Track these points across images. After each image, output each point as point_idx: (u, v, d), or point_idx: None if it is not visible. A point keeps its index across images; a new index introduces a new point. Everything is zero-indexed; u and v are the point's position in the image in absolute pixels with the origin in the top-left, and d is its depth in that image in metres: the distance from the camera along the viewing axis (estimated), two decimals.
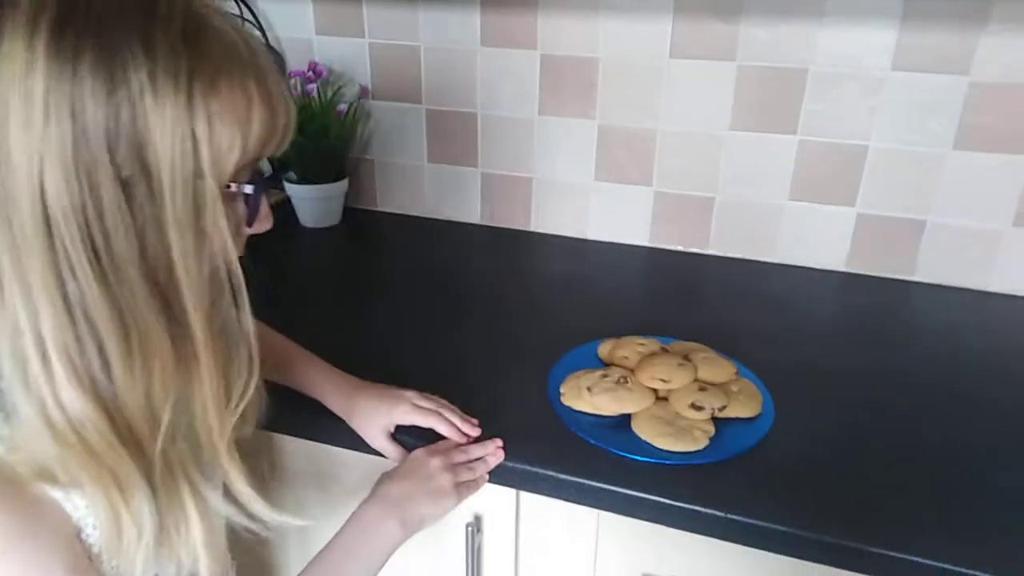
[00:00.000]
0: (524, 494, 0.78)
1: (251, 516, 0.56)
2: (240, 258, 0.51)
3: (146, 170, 0.45)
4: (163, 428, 0.49)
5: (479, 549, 0.82)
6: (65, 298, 0.45)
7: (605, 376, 0.80)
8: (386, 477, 0.71)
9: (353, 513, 0.69)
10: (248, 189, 0.51)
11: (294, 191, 1.27)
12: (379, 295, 1.07)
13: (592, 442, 0.75)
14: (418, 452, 0.74)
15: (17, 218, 0.43)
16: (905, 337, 0.99)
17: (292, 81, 1.22)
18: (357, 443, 0.78)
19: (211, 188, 0.47)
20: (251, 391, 0.55)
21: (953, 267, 1.09)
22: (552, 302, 1.06)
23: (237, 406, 0.54)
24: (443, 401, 0.79)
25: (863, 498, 0.69)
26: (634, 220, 1.21)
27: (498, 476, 0.75)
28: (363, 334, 0.96)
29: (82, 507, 0.49)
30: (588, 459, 0.73)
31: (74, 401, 0.46)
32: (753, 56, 1.06)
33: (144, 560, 0.51)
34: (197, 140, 0.45)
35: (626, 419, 0.77)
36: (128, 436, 0.49)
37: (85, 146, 0.43)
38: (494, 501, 0.79)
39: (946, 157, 1.04)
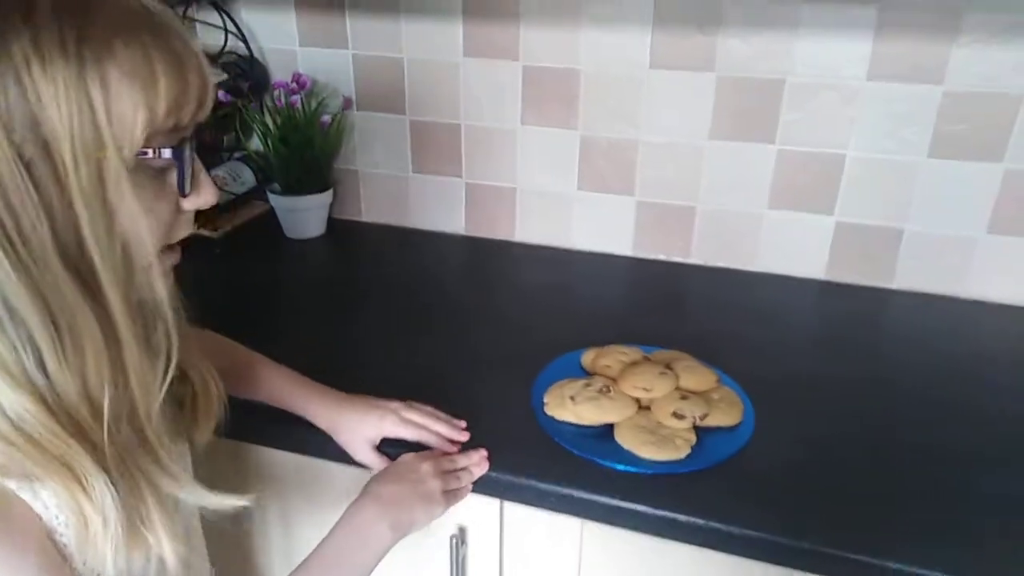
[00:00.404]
0: (508, 505, 0.78)
1: (191, 495, 0.55)
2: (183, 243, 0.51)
3: (45, 147, 0.43)
4: (105, 414, 0.48)
5: (464, 561, 0.82)
6: None
7: (588, 385, 0.80)
8: (377, 479, 0.71)
9: (343, 515, 0.68)
10: (166, 154, 0.47)
11: (278, 202, 1.27)
12: (363, 306, 1.07)
13: (575, 452, 0.75)
14: (408, 456, 0.74)
15: None
16: (884, 344, 1.00)
17: (276, 92, 1.22)
18: (340, 454, 0.78)
19: (114, 159, 0.44)
20: (172, 367, 0.53)
21: (930, 274, 1.11)
22: (536, 312, 1.06)
23: (161, 386, 0.53)
24: (429, 409, 0.79)
25: (843, 504, 0.70)
26: (617, 230, 1.22)
27: (482, 486, 0.75)
28: (346, 345, 0.96)
29: (52, 506, 0.48)
30: (571, 469, 0.73)
31: (10, 400, 0.45)
32: (732, 67, 1.08)
33: (114, 551, 0.49)
34: (94, 109, 0.43)
35: (609, 428, 0.78)
36: (73, 426, 0.47)
37: None
38: (478, 512, 0.80)
39: (921, 165, 1.05)
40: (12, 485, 0.46)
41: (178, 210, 0.51)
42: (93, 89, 0.43)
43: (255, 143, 1.32)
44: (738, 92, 1.09)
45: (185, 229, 0.53)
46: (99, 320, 0.47)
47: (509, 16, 1.14)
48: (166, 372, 0.53)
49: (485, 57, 1.18)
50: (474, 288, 1.15)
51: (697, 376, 0.83)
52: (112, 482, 0.49)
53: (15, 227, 0.43)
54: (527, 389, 0.85)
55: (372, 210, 1.36)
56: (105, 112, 0.43)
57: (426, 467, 0.72)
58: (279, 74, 1.29)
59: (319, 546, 0.66)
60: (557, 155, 1.21)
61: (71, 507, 0.47)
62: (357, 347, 0.96)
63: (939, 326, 1.04)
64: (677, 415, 0.77)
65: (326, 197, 1.29)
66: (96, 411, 0.48)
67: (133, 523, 0.50)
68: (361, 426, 0.76)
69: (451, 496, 0.72)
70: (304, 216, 1.28)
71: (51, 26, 0.42)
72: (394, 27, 1.20)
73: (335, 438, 0.77)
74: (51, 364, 0.46)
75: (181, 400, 0.62)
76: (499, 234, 1.29)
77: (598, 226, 1.23)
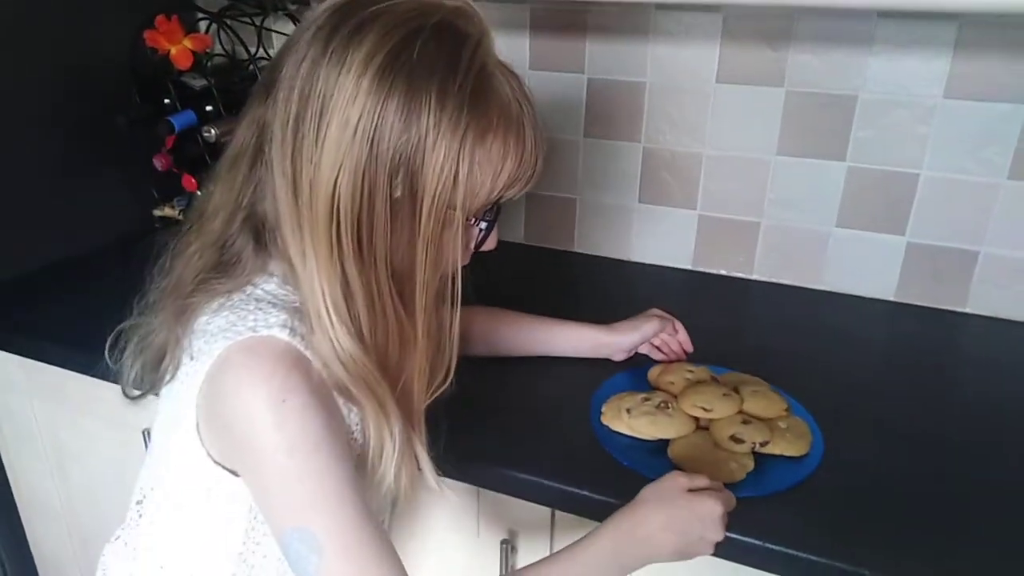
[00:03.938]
0: (559, 513, 0.79)
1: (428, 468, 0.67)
2: (464, 269, 0.62)
3: (413, 195, 0.56)
4: (398, 381, 0.62)
5: (513, 567, 0.82)
6: (336, 267, 0.56)
7: (647, 400, 0.80)
8: (654, 511, 0.61)
9: (616, 517, 0.63)
10: (484, 225, 0.63)
11: None
12: None
13: (625, 464, 0.75)
14: (710, 498, 0.62)
15: (314, 201, 0.55)
16: (957, 371, 0.97)
17: None
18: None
19: (458, 219, 0.58)
20: (445, 386, 0.67)
21: (1006, 299, 1.06)
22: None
23: (432, 394, 0.66)
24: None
25: (906, 536, 0.68)
26: (678, 243, 1.21)
27: (533, 493, 0.76)
28: None
29: (353, 423, 0.62)
30: (622, 481, 0.73)
31: (349, 344, 0.58)
32: (802, 82, 1.06)
33: (395, 470, 0.63)
34: (458, 179, 0.56)
35: (664, 444, 0.77)
36: (387, 374, 0.61)
37: (372, 168, 0.54)
38: (529, 519, 0.80)
39: (1000, 187, 1.01)
40: (339, 402, 0.61)
41: (467, 249, 0.64)
42: (462, 166, 0.56)
43: None
44: (808, 108, 1.07)
45: (466, 262, 0.65)
46: (401, 324, 0.61)
47: (576, 29, 1.15)
48: (439, 387, 0.67)
49: (551, 69, 1.19)
50: (533, 296, 1.15)
51: (764, 402, 0.81)
52: (403, 417, 0.63)
53: (368, 240, 0.57)
54: (586, 397, 0.85)
55: None
56: (464, 184, 0.56)
57: (718, 512, 0.61)
58: None
59: (588, 542, 0.62)
60: (619, 167, 1.21)
61: (375, 426, 0.61)
62: None
63: (1015, 353, 1.00)
64: (736, 439, 0.75)
65: None
66: (390, 376, 0.62)
67: (403, 454, 0.63)
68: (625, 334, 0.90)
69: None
70: None
71: (454, 113, 0.55)
72: None
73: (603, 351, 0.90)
74: (367, 334, 0.59)
75: None
76: (558, 244, 1.30)
77: (658, 239, 1.23)
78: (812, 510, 0.70)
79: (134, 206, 1.30)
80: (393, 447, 0.62)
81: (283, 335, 0.57)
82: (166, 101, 1.20)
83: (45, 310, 1.07)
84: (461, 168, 0.55)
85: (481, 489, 0.80)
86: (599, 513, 0.73)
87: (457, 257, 0.60)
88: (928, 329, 1.06)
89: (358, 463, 0.62)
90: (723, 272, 1.20)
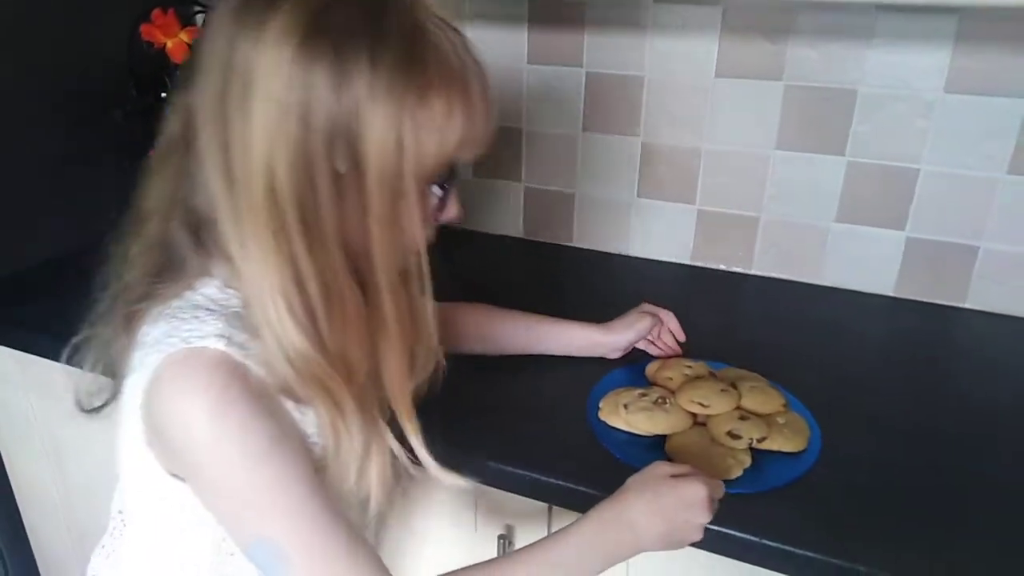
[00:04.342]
0: (556, 509, 0.79)
1: (417, 462, 0.63)
2: (429, 246, 0.58)
3: (357, 168, 0.51)
4: (360, 374, 0.58)
5: None
6: (284, 255, 0.52)
7: (644, 395, 0.80)
8: (637, 496, 0.61)
9: (601, 507, 0.62)
10: (438, 191, 0.57)
11: None
12: None
13: (621, 459, 0.75)
14: (695, 481, 0.61)
15: (250, 185, 0.51)
16: (957, 366, 0.96)
17: None
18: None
19: (409, 187, 0.53)
20: (430, 368, 0.64)
21: (1006, 295, 1.06)
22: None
23: (425, 379, 0.64)
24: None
25: (903, 531, 0.68)
26: (676, 238, 1.21)
27: (530, 488, 0.76)
28: None
29: (310, 424, 0.59)
30: (619, 477, 0.73)
31: (296, 338, 0.54)
32: (801, 76, 1.06)
33: (357, 466, 0.59)
34: (403, 145, 0.51)
35: (662, 440, 0.77)
36: (341, 370, 0.57)
37: (309, 142, 0.50)
38: (526, 513, 0.80)
39: (1000, 182, 1.01)
40: (289, 405, 0.57)
41: (427, 223, 0.58)
42: (405, 130, 0.51)
43: None
44: (807, 102, 1.07)
45: (430, 238, 0.59)
46: (368, 309, 0.57)
47: (574, 23, 1.15)
48: (424, 370, 0.64)
49: (549, 63, 1.19)
50: (532, 290, 1.15)
51: (762, 398, 0.81)
52: (362, 416, 0.59)
53: (315, 222, 0.52)
54: (583, 393, 0.85)
55: None
56: (411, 150, 0.52)
57: (704, 497, 0.60)
58: None
59: (573, 528, 0.60)
60: (618, 161, 1.20)
61: (329, 423, 0.57)
62: None
63: (1016, 349, 1.00)
64: (733, 435, 0.75)
65: None
66: (352, 371, 0.57)
67: (367, 451, 0.60)
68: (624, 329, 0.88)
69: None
70: None
71: (388, 74, 0.50)
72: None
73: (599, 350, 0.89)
74: (323, 324, 0.55)
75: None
76: (557, 239, 1.30)
77: (657, 234, 1.22)
78: (809, 506, 0.70)
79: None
80: (351, 446, 0.59)
81: (218, 344, 0.54)
82: (163, 95, 1.20)
83: (43, 305, 1.07)
84: (405, 132, 0.51)
85: (478, 484, 0.80)
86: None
87: (416, 230, 0.55)
88: (927, 324, 1.06)
89: (323, 467, 0.59)
90: (722, 267, 1.20)
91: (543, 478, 0.75)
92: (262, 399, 0.55)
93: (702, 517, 0.60)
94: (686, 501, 0.60)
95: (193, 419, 0.52)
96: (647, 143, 1.18)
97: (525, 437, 0.79)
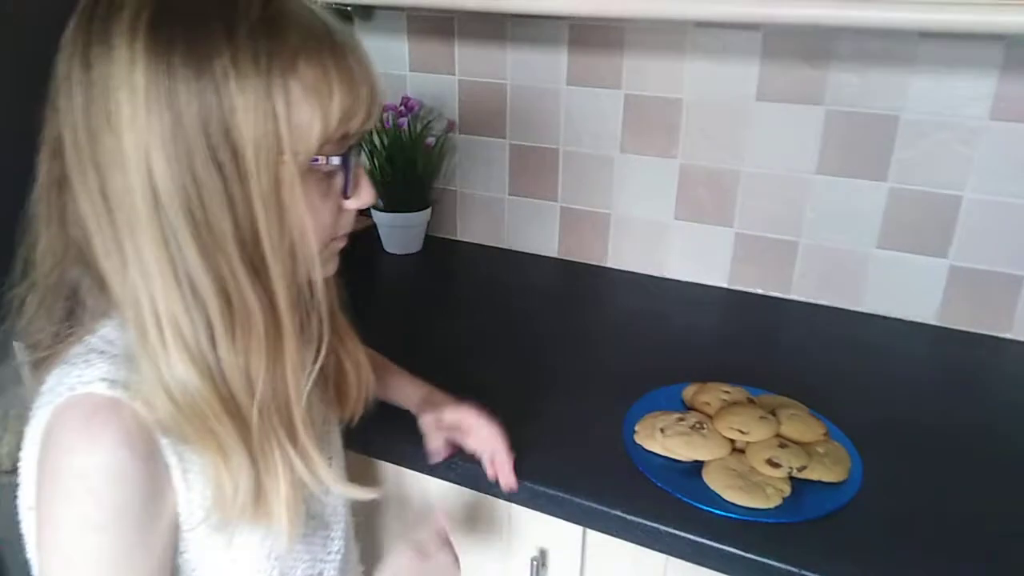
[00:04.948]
0: (590, 531, 0.78)
1: (320, 481, 0.58)
2: (352, 237, 0.57)
3: (234, 151, 0.48)
4: (258, 398, 0.53)
5: None
6: (174, 271, 0.49)
7: (681, 420, 0.80)
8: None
9: None
10: (335, 161, 0.53)
11: (380, 218, 1.32)
12: (454, 321, 1.10)
13: (657, 484, 0.74)
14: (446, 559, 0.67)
15: (130, 199, 0.48)
16: (1001, 397, 0.94)
17: (385, 115, 1.28)
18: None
19: (290, 164, 0.50)
20: (322, 358, 0.57)
21: None
22: (628, 339, 1.06)
23: (310, 374, 0.57)
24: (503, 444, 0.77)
25: (945, 565, 0.66)
26: (713, 260, 1.21)
27: (565, 510, 0.76)
28: (435, 360, 0.98)
29: (195, 470, 0.53)
30: (655, 501, 0.73)
31: (183, 371, 0.50)
32: (842, 101, 1.05)
33: (239, 517, 0.54)
34: (277, 119, 0.48)
35: (698, 465, 0.77)
36: (230, 404, 0.52)
37: (182, 133, 0.47)
38: (561, 536, 0.80)
39: None
40: (164, 441, 0.52)
41: (340, 209, 0.57)
42: (278, 102, 0.48)
43: (362, 160, 1.38)
44: (848, 127, 1.06)
45: (347, 225, 0.58)
46: (264, 307, 0.52)
47: (614, 45, 1.16)
48: (316, 359, 0.57)
49: (588, 85, 1.20)
50: (565, 310, 1.16)
51: (802, 426, 0.80)
52: (252, 457, 0.54)
53: (204, 218, 0.49)
54: (618, 416, 0.84)
55: (468, 230, 1.39)
56: (287, 123, 0.49)
57: (445, 552, 0.67)
58: (389, 97, 1.34)
59: None
60: (655, 182, 1.21)
61: (211, 473, 0.53)
62: (444, 363, 0.98)
63: None
64: (772, 463, 0.74)
65: (425, 215, 1.33)
66: (252, 390, 0.53)
67: (263, 496, 0.55)
68: (443, 403, 0.79)
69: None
70: (403, 232, 1.33)
71: (247, 46, 0.48)
72: (500, 55, 1.24)
73: (418, 419, 0.80)
74: (222, 343, 0.51)
75: (337, 384, 0.69)
76: (591, 259, 1.30)
77: (694, 256, 1.22)
78: (850, 538, 0.69)
79: None
80: (234, 496, 0.53)
81: (100, 389, 0.50)
82: None
83: None
84: (277, 105, 0.48)
85: (512, 504, 0.80)
86: (631, 533, 0.73)
87: (302, 214, 0.51)
88: (970, 354, 1.04)
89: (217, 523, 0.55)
90: (760, 291, 1.19)
91: (578, 500, 0.75)
92: (138, 453, 0.50)
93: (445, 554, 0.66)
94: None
95: (57, 471, 0.50)
96: (685, 165, 1.18)
97: (559, 457, 0.79)
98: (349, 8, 1.27)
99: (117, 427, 0.50)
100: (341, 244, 0.60)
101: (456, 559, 0.68)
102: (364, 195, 0.57)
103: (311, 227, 0.52)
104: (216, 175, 0.48)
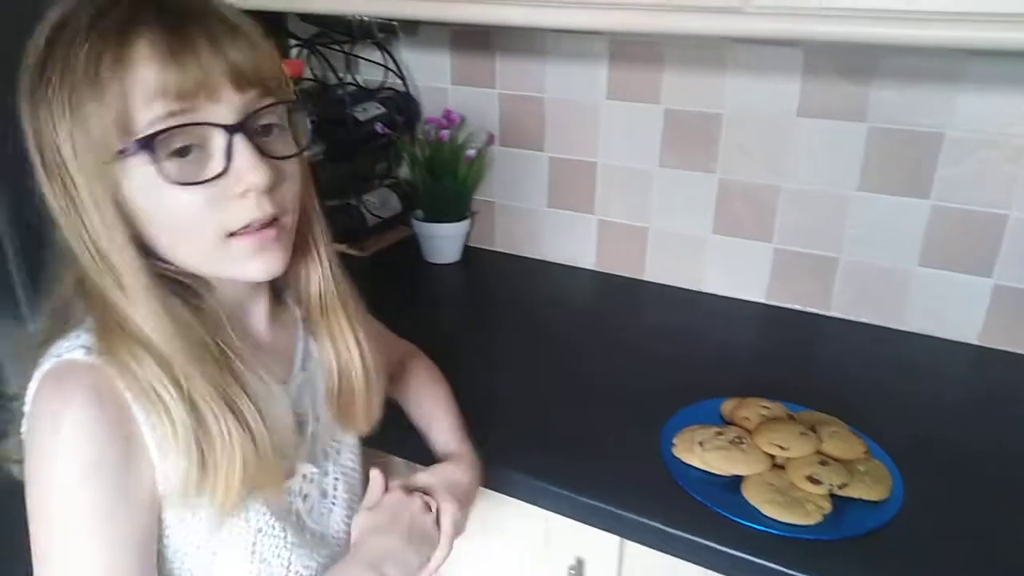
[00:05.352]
0: (628, 542, 0.79)
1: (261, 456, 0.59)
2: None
3: (66, 168, 0.52)
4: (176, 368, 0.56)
5: None
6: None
7: (720, 434, 0.80)
8: (367, 532, 0.66)
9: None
10: (134, 147, 0.51)
11: (420, 228, 1.35)
12: (491, 331, 1.12)
13: (696, 497, 0.75)
14: (396, 495, 0.68)
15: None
16: None
17: (427, 127, 1.31)
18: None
19: (110, 166, 0.51)
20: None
21: None
22: (665, 352, 1.06)
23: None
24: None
25: None
26: (751, 275, 1.21)
27: (602, 520, 0.77)
28: (471, 368, 0.99)
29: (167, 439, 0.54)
30: (693, 515, 0.73)
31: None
32: (885, 118, 1.05)
33: (188, 489, 0.55)
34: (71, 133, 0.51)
35: (737, 480, 0.77)
36: (169, 369, 0.56)
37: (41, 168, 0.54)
38: (598, 546, 0.81)
39: None
40: (136, 407, 0.54)
41: (220, 195, 0.54)
42: (72, 115, 0.51)
43: (404, 172, 1.41)
44: (891, 144, 1.05)
45: (239, 214, 0.55)
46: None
47: (654, 60, 1.17)
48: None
49: (627, 100, 1.21)
50: (601, 321, 1.17)
51: (843, 443, 0.80)
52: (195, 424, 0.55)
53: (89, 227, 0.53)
54: (655, 428, 0.85)
55: (505, 240, 1.41)
56: (88, 128, 0.51)
57: (416, 503, 0.67)
58: (431, 110, 1.37)
59: None
60: (693, 197, 1.21)
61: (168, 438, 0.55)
62: (482, 371, 1.00)
63: None
64: (812, 479, 0.74)
65: (464, 226, 1.36)
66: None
67: (205, 466, 0.56)
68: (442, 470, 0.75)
69: (448, 531, 0.68)
70: (442, 242, 1.35)
71: (44, 74, 0.51)
72: (539, 69, 1.26)
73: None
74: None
75: (340, 395, 0.69)
76: (628, 271, 1.31)
77: (731, 270, 1.22)
78: (891, 558, 0.69)
79: None
80: (180, 464, 0.55)
81: (79, 355, 0.54)
82: None
83: None
84: (70, 111, 0.50)
85: (551, 513, 0.81)
86: (669, 545, 0.73)
87: (159, 211, 0.53)
88: (1014, 375, 1.02)
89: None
90: (798, 307, 1.19)
91: (616, 510, 0.75)
92: (112, 410, 0.53)
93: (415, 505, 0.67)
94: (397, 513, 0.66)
95: (33, 436, 0.53)
96: (724, 180, 1.18)
97: (598, 468, 0.80)
98: (395, 23, 1.30)
99: (88, 386, 0.53)
100: (250, 243, 0.56)
101: (437, 530, 0.67)
102: (249, 176, 0.53)
103: (169, 218, 0.54)
104: (59, 193, 0.53)
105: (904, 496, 0.75)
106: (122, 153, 0.51)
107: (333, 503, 0.70)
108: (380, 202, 1.37)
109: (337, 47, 1.33)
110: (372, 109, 1.31)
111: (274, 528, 0.62)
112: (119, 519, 0.53)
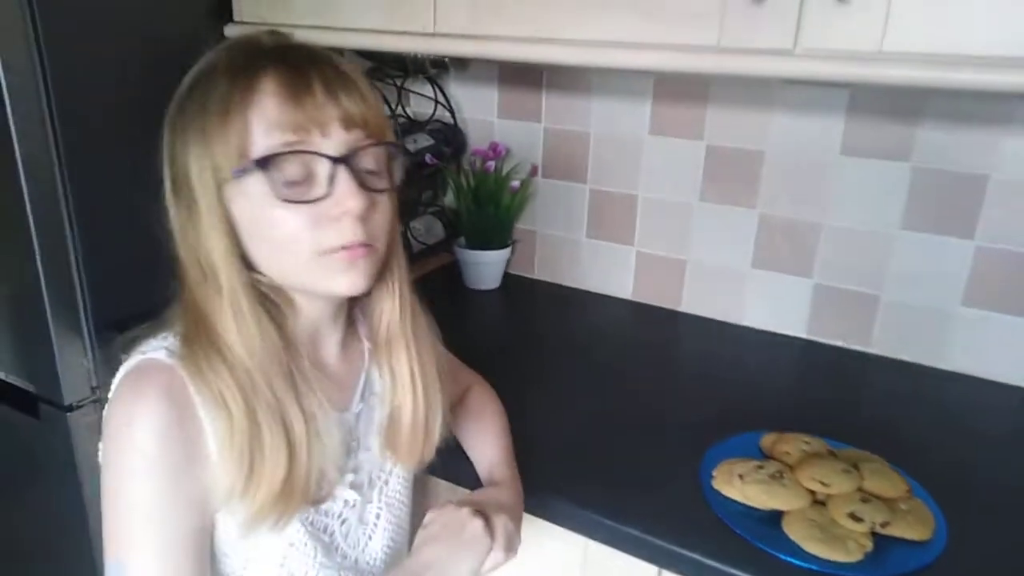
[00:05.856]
0: (666, 573, 0.79)
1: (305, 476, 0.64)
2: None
3: (191, 191, 0.60)
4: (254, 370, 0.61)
5: None
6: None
7: (761, 467, 0.80)
8: (420, 543, 0.67)
9: None
10: (251, 167, 0.58)
11: (463, 255, 1.38)
12: (530, 358, 1.14)
13: (736, 531, 0.75)
14: (447, 507, 0.69)
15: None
16: None
17: (473, 158, 1.35)
18: None
19: (228, 184, 0.59)
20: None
21: None
22: (703, 384, 1.07)
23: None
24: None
25: None
26: (791, 310, 1.21)
27: (640, 550, 0.77)
28: (510, 395, 1.00)
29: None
30: (731, 547, 0.74)
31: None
32: (930, 158, 1.05)
33: (232, 495, 0.59)
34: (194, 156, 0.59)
35: (777, 515, 0.77)
36: (243, 377, 0.61)
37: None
38: (635, 573, 0.81)
39: None
40: (203, 412, 0.59)
41: (319, 217, 0.59)
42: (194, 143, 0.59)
43: (449, 200, 1.45)
44: (935, 184, 1.06)
45: (333, 235, 0.60)
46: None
47: (698, 98, 1.19)
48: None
49: (670, 135, 1.23)
50: (639, 352, 1.18)
51: (886, 481, 0.79)
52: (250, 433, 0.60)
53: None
54: (693, 460, 0.86)
55: (545, 269, 1.44)
56: (211, 153, 0.58)
57: (465, 511, 0.68)
58: (477, 141, 1.41)
59: None
60: (733, 231, 1.22)
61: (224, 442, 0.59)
62: (521, 398, 1.00)
63: None
64: (854, 517, 0.74)
65: (505, 253, 1.38)
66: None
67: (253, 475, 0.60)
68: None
69: (501, 533, 0.68)
70: (484, 269, 1.38)
71: (184, 109, 0.61)
72: (585, 104, 1.29)
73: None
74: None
75: (397, 426, 0.71)
76: (666, 302, 1.32)
77: (771, 305, 1.23)
78: None
79: None
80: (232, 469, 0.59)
81: (161, 355, 0.60)
82: None
83: None
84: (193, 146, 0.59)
85: (589, 540, 0.82)
86: None
87: (280, 216, 0.58)
88: None
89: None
90: (839, 343, 1.19)
91: (655, 540, 0.76)
92: (180, 411, 0.58)
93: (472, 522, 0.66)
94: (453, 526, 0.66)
95: (108, 426, 0.58)
96: (765, 215, 1.19)
97: (637, 497, 0.80)
98: (447, 60, 1.35)
99: (162, 385, 0.58)
100: (342, 258, 0.60)
101: (487, 532, 0.67)
102: (351, 201, 0.59)
103: (270, 235, 0.60)
104: (184, 214, 0.62)
105: (948, 536, 0.75)
106: (242, 172, 0.58)
107: (373, 532, 0.72)
108: (425, 229, 1.41)
109: (391, 81, 1.38)
110: (422, 140, 1.35)
111: (306, 545, 0.65)
112: (173, 513, 0.58)
